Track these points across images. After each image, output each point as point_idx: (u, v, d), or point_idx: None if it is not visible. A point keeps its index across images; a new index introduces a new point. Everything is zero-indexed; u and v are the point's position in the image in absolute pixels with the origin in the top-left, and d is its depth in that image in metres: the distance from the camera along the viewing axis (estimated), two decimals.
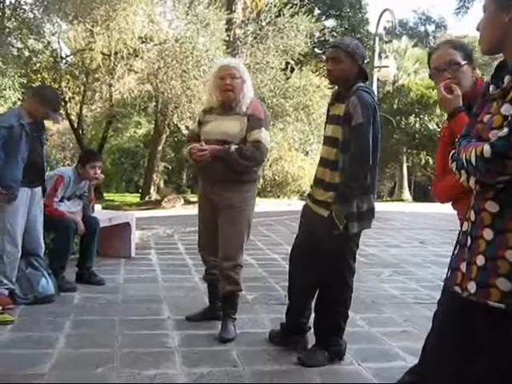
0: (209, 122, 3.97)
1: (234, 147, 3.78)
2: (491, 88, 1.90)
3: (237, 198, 3.88)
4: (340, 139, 3.34)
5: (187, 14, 13.69)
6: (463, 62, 2.63)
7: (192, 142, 4.00)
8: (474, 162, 1.75)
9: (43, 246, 4.85)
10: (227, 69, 3.88)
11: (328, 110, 3.59)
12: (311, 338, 3.67)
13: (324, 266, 3.45)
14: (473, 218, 1.88)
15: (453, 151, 1.94)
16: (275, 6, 15.61)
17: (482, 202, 1.84)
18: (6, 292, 4.48)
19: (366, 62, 3.56)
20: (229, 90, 3.84)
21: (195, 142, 3.98)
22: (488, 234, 1.81)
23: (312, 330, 3.65)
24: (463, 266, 1.89)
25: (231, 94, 3.85)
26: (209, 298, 4.30)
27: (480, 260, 1.81)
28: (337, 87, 3.56)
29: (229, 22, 15.47)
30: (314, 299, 3.64)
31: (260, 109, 3.96)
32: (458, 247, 1.97)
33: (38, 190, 4.66)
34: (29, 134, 4.40)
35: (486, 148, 1.71)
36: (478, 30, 1.94)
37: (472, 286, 1.83)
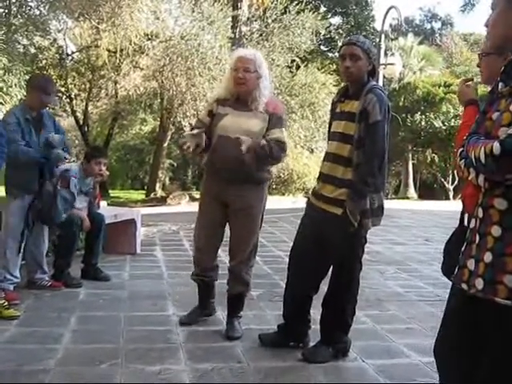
0: (224, 116, 3.71)
1: (264, 141, 3.60)
2: (500, 85, 1.90)
3: (254, 199, 3.76)
4: (354, 136, 3.33)
5: (193, 11, 13.69)
6: None
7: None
8: (483, 160, 1.74)
9: (46, 240, 4.90)
10: (242, 61, 3.66)
11: (334, 107, 3.56)
12: (313, 335, 3.67)
13: (336, 264, 3.46)
14: (481, 214, 1.88)
15: (461, 149, 1.94)
16: (281, 3, 15.59)
17: (491, 199, 1.83)
18: (12, 287, 4.53)
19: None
20: (241, 84, 3.64)
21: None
22: (496, 230, 1.80)
23: (313, 326, 3.66)
24: (470, 263, 1.89)
25: (244, 87, 3.65)
26: (200, 298, 4.14)
27: (488, 257, 1.81)
28: (345, 84, 3.54)
29: (234, 19, 15.47)
30: (323, 296, 3.62)
31: (281, 108, 3.85)
32: (465, 244, 1.97)
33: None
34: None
35: (496, 145, 1.70)
36: (486, 26, 1.94)
37: (479, 283, 1.83)
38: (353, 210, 3.27)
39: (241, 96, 3.72)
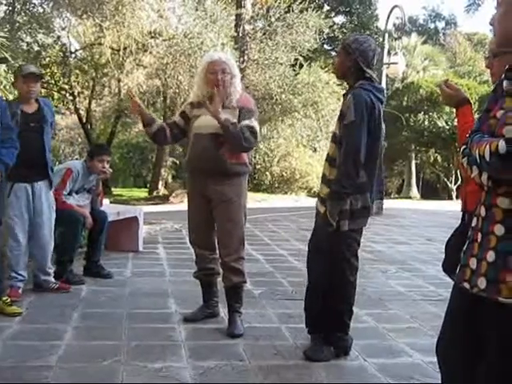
0: (198, 117, 3.90)
1: (234, 121, 3.76)
2: (505, 83, 1.88)
3: (232, 192, 3.87)
4: (337, 136, 3.37)
5: (196, 10, 13.69)
6: None
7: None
8: (487, 158, 1.73)
9: (51, 240, 4.76)
10: (218, 64, 3.84)
11: None
12: None
13: (324, 263, 3.44)
14: (483, 213, 1.87)
15: (463, 146, 1.93)
16: (284, 1, 15.59)
17: (494, 197, 1.83)
18: (20, 284, 4.50)
19: (371, 59, 3.38)
20: (219, 85, 3.80)
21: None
22: (499, 229, 1.80)
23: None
24: (472, 262, 1.88)
25: (221, 88, 3.82)
26: (203, 296, 4.22)
27: (490, 256, 1.80)
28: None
29: (238, 17, 15.48)
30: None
31: (251, 101, 4.00)
32: (466, 243, 1.97)
33: (41, 184, 4.58)
34: (18, 123, 4.33)
35: (501, 144, 1.69)
36: (491, 24, 1.93)
37: (482, 282, 1.82)
38: (330, 210, 3.28)
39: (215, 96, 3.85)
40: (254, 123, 3.86)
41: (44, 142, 4.50)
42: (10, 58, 9.87)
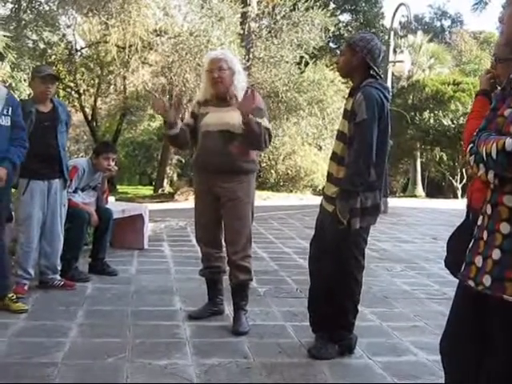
0: (206, 115, 3.90)
1: (260, 121, 3.72)
2: None
3: (242, 190, 3.87)
4: (347, 134, 3.35)
5: (202, 7, 13.70)
6: None
7: None
8: (494, 156, 1.73)
9: (61, 238, 4.78)
10: (214, 62, 3.84)
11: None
12: None
13: (332, 262, 3.43)
14: (489, 211, 1.87)
15: (471, 145, 1.93)
16: None
17: (500, 195, 1.83)
18: (23, 281, 4.51)
19: (377, 57, 3.36)
20: (218, 82, 3.81)
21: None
22: (505, 227, 1.80)
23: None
24: (478, 260, 1.88)
25: (220, 85, 3.81)
26: (208, 294, 4.22)
27: (496, 254, 1.80)
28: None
29: (243, 15, 15.48)
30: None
31: (259, 99, 3.97)
32: (472, 241, 1.97)
33: (57, 182, 4.63)
34: (33, 123, 4.40)
35: (509, 141, 1.69)
36: (500, 22, 1.93)
37: (487, 280, 1.82)
38: (340, 208, 3.27)
39: (220, 94, 3.87)
40: (266, 123, 3.83)
41: (58, 140, 4.56)
42: (15, 56, 9.90)
